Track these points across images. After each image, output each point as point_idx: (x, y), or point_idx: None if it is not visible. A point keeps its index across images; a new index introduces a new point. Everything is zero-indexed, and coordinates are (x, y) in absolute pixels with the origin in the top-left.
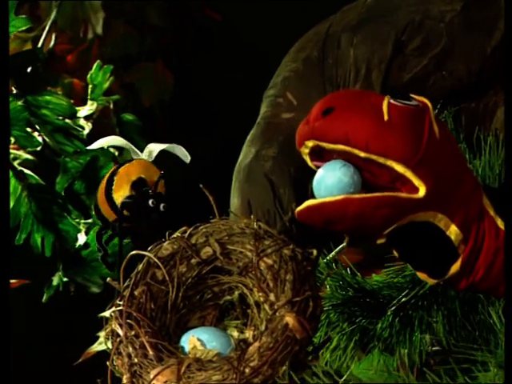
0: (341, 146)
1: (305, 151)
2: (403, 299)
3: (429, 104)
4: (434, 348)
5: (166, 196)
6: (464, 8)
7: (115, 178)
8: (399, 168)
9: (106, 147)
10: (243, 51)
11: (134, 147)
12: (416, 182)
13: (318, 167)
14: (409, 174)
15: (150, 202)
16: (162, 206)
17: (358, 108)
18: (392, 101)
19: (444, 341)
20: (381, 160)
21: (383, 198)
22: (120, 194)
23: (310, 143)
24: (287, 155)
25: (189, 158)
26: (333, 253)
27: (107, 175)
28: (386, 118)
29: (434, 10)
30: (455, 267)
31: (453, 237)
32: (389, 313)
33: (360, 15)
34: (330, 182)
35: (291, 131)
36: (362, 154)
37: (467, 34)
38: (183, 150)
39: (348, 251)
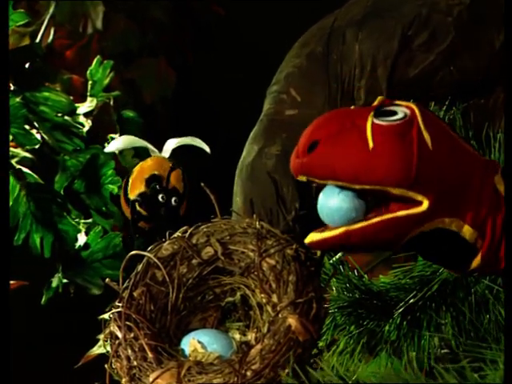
0: (331, 182)
1: (302, 179)
2: (411, 301)
3: (416, 110)
4: (443, 351)
5: (185, 188)
6: (473, 2)
7: (130, 178)
8: (396, 191)
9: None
10: (244, 49)
11: (150, 146)
12: (418, 197)
13: (318, 187)
14: (408, 194)
15: (160, 197)
16: (173, 200)
17: (342, 139)
18: (376, 120)
19: (453, 343)
20: (376, 188)
21: (383, 223)
22: (135, 194)
23: (303, 178)
24: (291, 153)
25: (208, 148)
26: (339, 253)
27: (127, 176)
28: (370, 145)
29: (442, 3)
30: (476, 262)
31: (467, 236)
32: (396, 315)
33: (365, 9)
34: (331, 209)
35: (295, 128)
36: (357, 187)
37: (476, 29)
38: (201, 141)
39: None
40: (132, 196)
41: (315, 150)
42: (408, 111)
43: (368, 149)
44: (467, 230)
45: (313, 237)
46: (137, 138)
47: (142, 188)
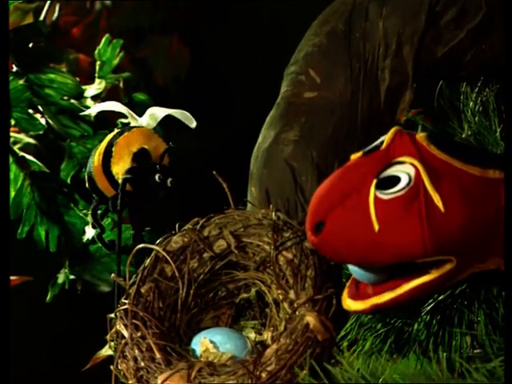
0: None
1: None
2: (441, 297)
3: (420, 168)
4: (475, 351)
5: (171, 169)
6: None
7: (114, 148)
8: (417, 260)
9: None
10: (262, 26)
11: (133, 113)
12: (444, 258)
13: None
14: (431, 259)
15: (157, 177)
16: (169, 181)
17: (347, 220)
18: (378, 194)
19: (487, 341)
20: (396, 262)
21: (410, 292)
22: (120, 168)
23: None
24: (309, 139)
25: (194, 123)
26: None
27: (104, 144)
28: (376, 228)
29: None
30: None
31: None
32: (425, 312)
33: None
34: (357, 272)
35: (314, 112)
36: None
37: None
38: (188, 114)
39: None
40: (116, 170)
41: (321, 233)
42: (412, 171)
43: (374, 232)
44: None
45: (347, 305)
46: (119, 104)
47: (128, 162)
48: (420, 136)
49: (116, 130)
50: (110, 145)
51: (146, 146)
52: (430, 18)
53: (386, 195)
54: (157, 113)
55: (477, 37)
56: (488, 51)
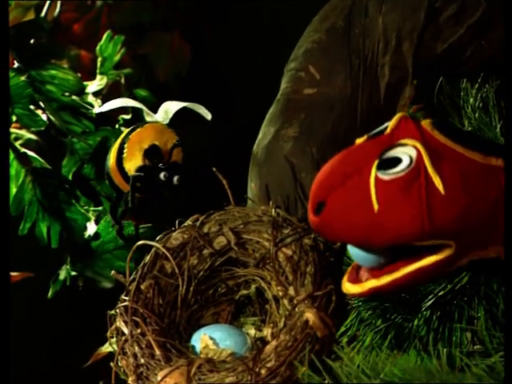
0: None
1: None
2: (440, 293)
3: (422, 150)
4: (475, 347)
5: (182, 164)
6: None
7: (126, 145)
8: (416, 243)
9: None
10: (262, 23)
11: (147, 109)
12: (443, 242)
13: None
14: (430, 242)
15: (162, 175)
16: (175, 179)
17: (347, 200)
18: (379, 174)
19: (486, 338)
20: (392, 244)
21: (409, 275)
22: (132, 164)
23: None
24: (309, 135)
25: (210, 115)
26: None
27: (119, 141)
28: (376, 208)
29: None
30: None
31: None
32: (425, 308)
33: None
34: (358, 255)
35: (314, 108)
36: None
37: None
38: (203, 108)
39: None
40: (128, 166)
41: (322, 213)
42: (414, 153)
43: (373, 212)
44: None
45: (346, 288)
46: (132, 100)
47: (139, 159)
48: (425, 122)
49: (131, 127)
50: (123, 141)
51: (157, 142)
52: (429, 15)
53: (386, 176)
54: (170, 107)
55: (476, 33)
56: (488, 47)
